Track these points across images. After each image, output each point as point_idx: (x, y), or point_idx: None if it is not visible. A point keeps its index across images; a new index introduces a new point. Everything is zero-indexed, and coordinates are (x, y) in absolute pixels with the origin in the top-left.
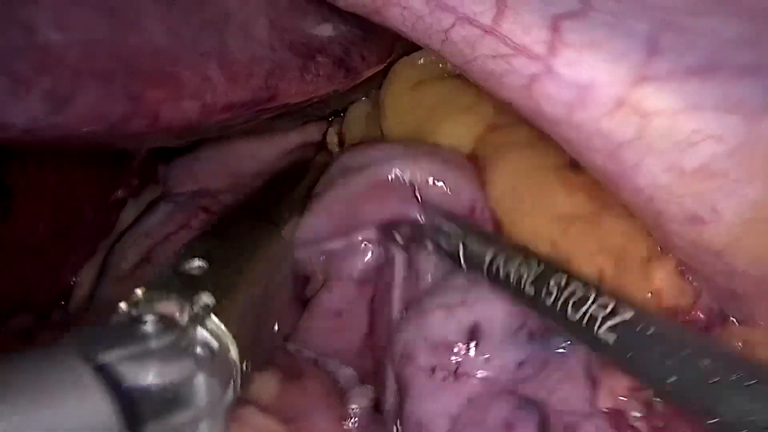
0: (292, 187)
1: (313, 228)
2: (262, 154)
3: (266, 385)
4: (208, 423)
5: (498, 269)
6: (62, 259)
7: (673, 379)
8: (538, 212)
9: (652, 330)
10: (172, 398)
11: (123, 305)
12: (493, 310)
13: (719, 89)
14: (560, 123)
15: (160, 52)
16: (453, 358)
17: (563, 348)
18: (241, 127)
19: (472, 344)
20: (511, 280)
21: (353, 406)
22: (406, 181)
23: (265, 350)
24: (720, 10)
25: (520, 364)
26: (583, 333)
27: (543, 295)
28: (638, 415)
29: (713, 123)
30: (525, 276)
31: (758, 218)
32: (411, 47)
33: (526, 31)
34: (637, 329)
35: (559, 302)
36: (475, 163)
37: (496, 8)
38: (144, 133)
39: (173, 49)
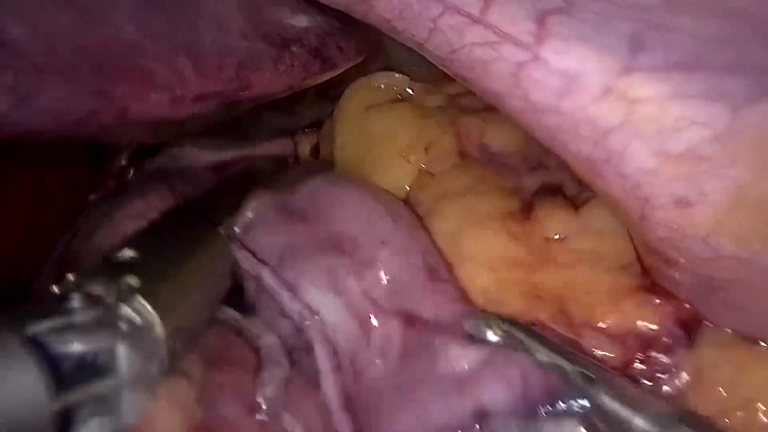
0: (237, 191)
1: None
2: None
3: (191, 366)
4: (131, 393)
5: None
6: (34, 267)
7: None
8: (478, 258)
9: None
10: (94, 366)
11: (55, 287)
12: (497, 393)
13: (703, 82)
14: (548, 110)
15: (128, 45)
16: None
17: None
18: (214, 124)
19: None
20: None
21: (260, 399)
22: None
23: (196, 336)
24: (699, 10)
25: None
26: None
27: None
28: None
29: (698, 110)
30: None
31: (744, 200)
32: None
33: (513, 21)
34: None
35: None
36: (413, 210)
37: (483, 1)
38: (113, 126)
39: (142, 43)
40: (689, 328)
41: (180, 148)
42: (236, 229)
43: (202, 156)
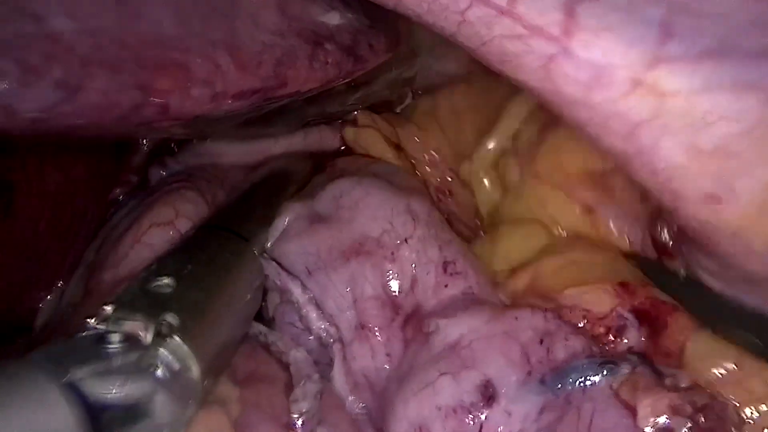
0: (266, 200)
1: None
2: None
3: (225, 390)
4: None
5: None
6: (61, 260)
7: None
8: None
9: None
10: (133, 413)
11: (92, 321)
12: (497, 364)
13: (733, 71)
14: (578, 104)
15: (169, 40)
16: (473, 419)
17: (579, 381)
18: (246, 119)
19: (489, 401)
20: None
21: (295, 415)
22: None
23: (229, 359)
24: None
25: (542, 411)
26: None
27: None
28: (687, 429)
29: (727, 103)
30: None
31: None
32: None
33: (541, 13)
34: None
35: None
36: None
37: None
38: (154, 122)
39: (183, 38)
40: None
41: (205, 144)
42: (268, 245)
43: (230, 152)
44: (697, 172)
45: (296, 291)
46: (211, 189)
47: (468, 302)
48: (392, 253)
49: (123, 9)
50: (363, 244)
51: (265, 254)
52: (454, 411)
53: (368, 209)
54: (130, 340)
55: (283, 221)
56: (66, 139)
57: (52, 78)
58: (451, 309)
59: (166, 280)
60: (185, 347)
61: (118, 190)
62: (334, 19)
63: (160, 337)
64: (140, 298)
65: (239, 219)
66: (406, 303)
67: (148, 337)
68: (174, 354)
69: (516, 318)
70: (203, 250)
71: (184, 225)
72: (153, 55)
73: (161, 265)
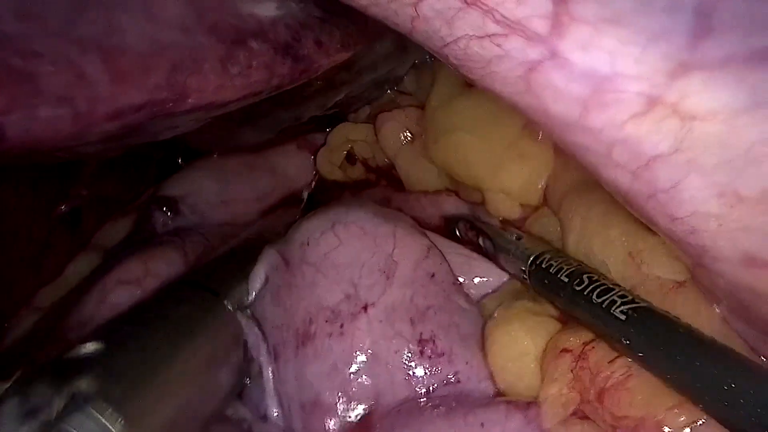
0: (247, 254)
1: None
2: (259, 186)
3: None
4: None
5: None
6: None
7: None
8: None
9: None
10: None
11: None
12: None
13: None
14: (570, 127)
15: (5, 41)
16: None
17: None
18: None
19: None
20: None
21: None
22: None
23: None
24: None
25: None
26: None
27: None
28: None
29: None
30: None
31: None
32: None
33: (521, 1)
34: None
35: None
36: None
37: None
38: None
39: (28, 38)
40: None
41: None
42: (249, 298)
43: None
44: (735, 226)
45: (266, 372)
46: (199, 247)
47: (448, 400)
48: (341, 326)
49: None
50: (313, 321)
51: (245, 311)
52: None
53: (334, 269)
54: (31, 409)
55: (261, 271)
56: None
57: None
58: (416, 414)
59: (90, 345)
60: (101, 418)
61: (63, 207)
62: (268, 9)
63: (67, 407)
64: (50, 366)
65: (212, 273)
66: (361, 396)
67: (53, 406)
68: (85, 427)
69: (482, 425)
70: (156, 308)
71: (153, 284)
72: None
73: (98, 328)
